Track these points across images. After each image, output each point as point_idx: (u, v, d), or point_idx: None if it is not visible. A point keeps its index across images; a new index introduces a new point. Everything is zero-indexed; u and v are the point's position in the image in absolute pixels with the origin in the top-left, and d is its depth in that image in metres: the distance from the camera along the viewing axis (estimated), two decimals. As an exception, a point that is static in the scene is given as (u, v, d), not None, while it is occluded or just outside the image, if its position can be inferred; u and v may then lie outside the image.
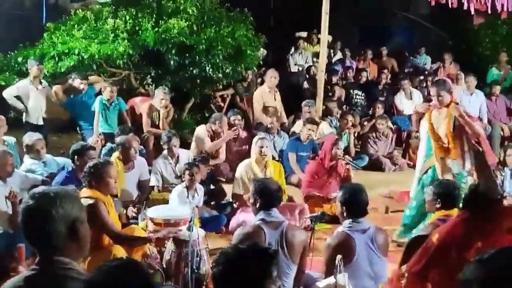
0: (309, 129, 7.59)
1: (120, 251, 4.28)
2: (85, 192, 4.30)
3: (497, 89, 9.97)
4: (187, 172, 5.65)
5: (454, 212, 3.89)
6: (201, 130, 7.62)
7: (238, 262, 2.21)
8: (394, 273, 2.65)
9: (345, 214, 3.93)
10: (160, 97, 7.67)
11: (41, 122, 7.68)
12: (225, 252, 2.28)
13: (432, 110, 5.55)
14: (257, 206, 3.98)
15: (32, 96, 7.58)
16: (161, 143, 6.58)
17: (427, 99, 10.36)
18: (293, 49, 11.83)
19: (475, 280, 1.48)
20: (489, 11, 9.13)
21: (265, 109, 8.75)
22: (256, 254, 2.25)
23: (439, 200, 4.28)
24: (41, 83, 7.69)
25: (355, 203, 3.92)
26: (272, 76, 8.94)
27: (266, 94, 8.90)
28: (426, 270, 2.21)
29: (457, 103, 5.52)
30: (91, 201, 4.17)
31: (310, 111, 8.34)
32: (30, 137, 6.11)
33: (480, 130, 5.42)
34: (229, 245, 2.73)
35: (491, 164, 5.58)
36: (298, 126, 8.26)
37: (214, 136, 7.58)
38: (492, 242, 2.05)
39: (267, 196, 3.97)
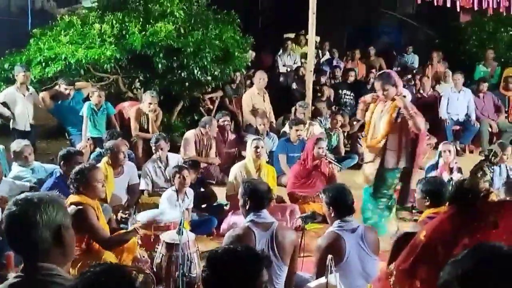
0: (297, 130, 7.60)
1: (110, 256, 4.27)
2: (72, 198, 4.27)
3: (484, 86, 10.04)
4: (177, 175, 5.62)
5: (443, 209, 3.90)
6: (188, 134, 7.61)
7: (228, 263, 2.20)
8: (382, 271, 2.65)
9: (332, 215, 3.94)
10: (148, 101, 7.64)
11: (28, 129, 7.63)
12: (215, 253, 2.27)
13: (377, 103, 5.41)
14: (247, 207, 3.97)
15: (19, 102, 7.53)
16: (151, 145, 6.58)
17: (416, 96, 10.43)
18: (281, 51, 11.84)
19: (454, 281, 1.49)
20: (476, 8, 9.19)
21: (254, 111, 8.75)
22: (246, 257, 2.24)
23: (427, 197, 4.29)
24: (28, 89, 7.64)
25: (341, 202, 3.94)
26: (260, 78, 8.95)
27: (255, 96, 8.91)
28: (414, 267, 2.21)
29: (404, 96, 5.39)
30: (79, 207, 4.14)
31: (304, 113, 8.35)
32: (17, 144, 6.07)
33: (422, 126, 5.25)
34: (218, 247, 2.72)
35: (417, 166, 5.45)
36: (288, 127, 8.27)
37: (203, 139, 7.56)
38: (479, 238, 2.06)
39: (256, 197, 3.96)
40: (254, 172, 6.01)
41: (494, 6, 8.79)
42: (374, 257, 3.90)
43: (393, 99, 5.25)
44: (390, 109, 5.27)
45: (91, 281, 1.70)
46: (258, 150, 6.06)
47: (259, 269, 2.23)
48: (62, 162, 5.45)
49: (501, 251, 1.54)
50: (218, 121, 7.90)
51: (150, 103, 7.63)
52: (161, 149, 6.43)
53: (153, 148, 6.48)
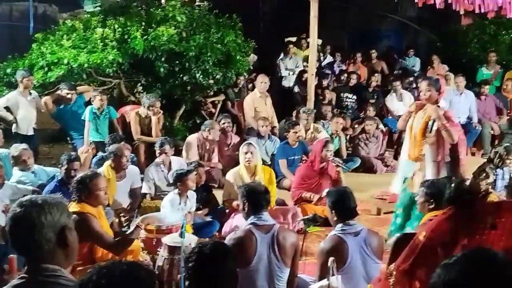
0: (295, 132, 7.60)
1: (113, 260, 4.26)
2: (73, 206, 4.20)
3: (486, 88, 10.06)
4: (182, 178, 5.60)
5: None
6: (190, 138, 7.64)
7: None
8: (382, 272, 2.67)
9: (335, 218, 3.95)
10: (146, 105, 7.67)
11: (31, 133, 7.66)
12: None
13: (418, 111, 5.58)
14: (246, 210, 3.99)
15: (21, 107, 7.56)
16: (155, 149, 6.60)
17: (417, 100, 10.43)
18: (282, 54, 11.85)
19: (441, 285, 1.49)
20: (477, 11, 9.18)
21: (256, 114, 8.76)
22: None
23: (432, 200, 4.26)
24: (30, 93, 7.67)
25: (344, 206, 3.96)
26: (262, 81, 8.97)
27: (257, 99, 8.93)
28: (414, 268, 2.22)
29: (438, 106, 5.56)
30: (80, 217, 4.08)
31: (308, 119, 8.35)
32: (16, 148, 6.11)
33: (455, 137, 5.43)
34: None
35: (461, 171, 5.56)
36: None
37: (205, 143, 7.59)
38: (478, 239, 2.08)
39: (254, 199, 3.98)
40: (247, 178, 5.99)
41: (495, 9, 8.76)
42: (376, 261, 3.87)
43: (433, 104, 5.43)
44: (425, 117, 5.48)
45: (110, 270, 1.69)
46: (247, 155, 6.04)
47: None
48: (62, 167, 5.50)
49: (493, 261, 1.53)
50: (219, 123, 7.92)
51: (149, 107, 7.65)
52: (166, 153, 6.43)
53: (157, 152, 6.48)
